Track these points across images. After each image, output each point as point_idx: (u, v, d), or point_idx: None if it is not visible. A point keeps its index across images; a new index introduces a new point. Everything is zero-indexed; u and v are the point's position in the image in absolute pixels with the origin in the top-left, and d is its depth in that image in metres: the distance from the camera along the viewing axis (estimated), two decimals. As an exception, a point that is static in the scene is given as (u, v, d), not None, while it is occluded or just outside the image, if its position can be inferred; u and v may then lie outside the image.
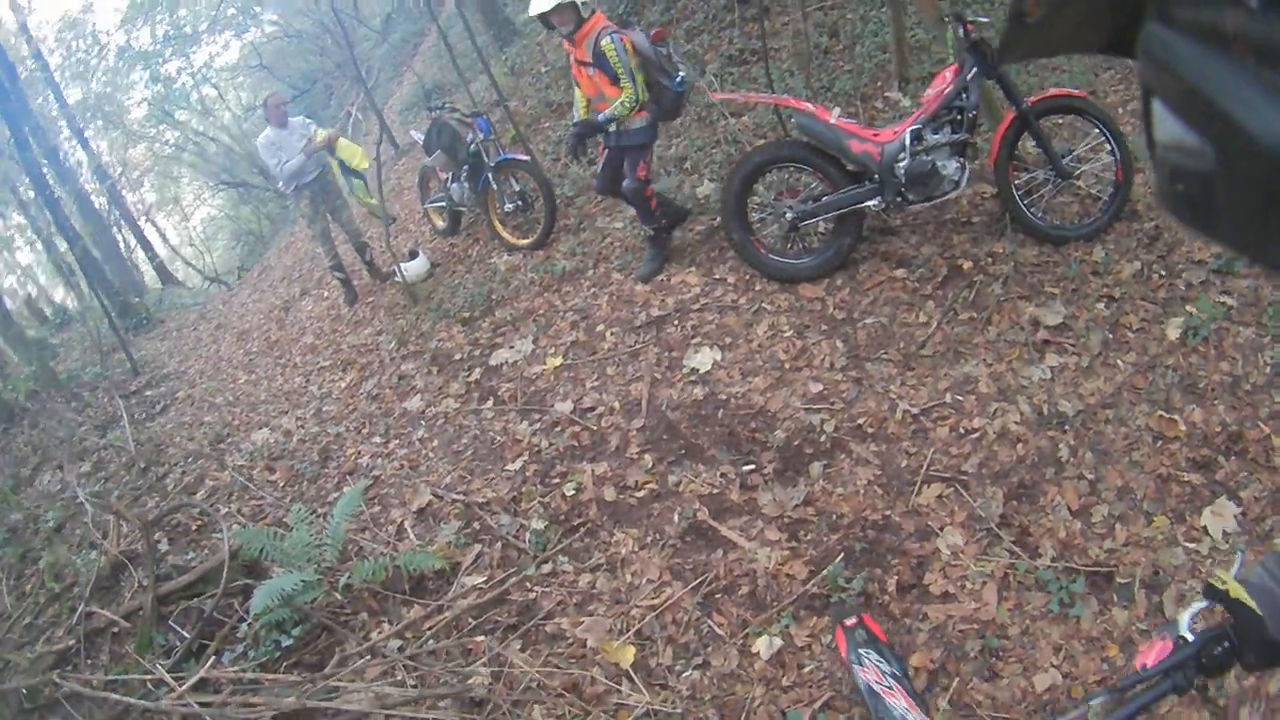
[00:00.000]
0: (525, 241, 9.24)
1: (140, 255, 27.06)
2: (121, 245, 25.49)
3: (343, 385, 8.68)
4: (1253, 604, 1.62)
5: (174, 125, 29.69)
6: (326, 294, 11.93)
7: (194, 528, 7.13)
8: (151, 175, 33.79)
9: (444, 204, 10.56)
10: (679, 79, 7.02)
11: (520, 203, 9.35)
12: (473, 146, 9.35)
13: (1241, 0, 0.63)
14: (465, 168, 9.60)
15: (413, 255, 10.14)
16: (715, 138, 9.05)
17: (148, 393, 11.67)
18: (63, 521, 8.15)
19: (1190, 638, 1.72)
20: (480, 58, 11.63)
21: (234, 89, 33.62)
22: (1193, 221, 0.77)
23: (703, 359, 6.41)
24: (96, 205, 24.09)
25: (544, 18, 6.83)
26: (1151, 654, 1.75)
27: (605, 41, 6.69)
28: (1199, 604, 1.78)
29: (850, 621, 2.55)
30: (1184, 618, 1.77)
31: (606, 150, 7.40)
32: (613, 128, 7.07)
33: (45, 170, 18.41)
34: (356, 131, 21.29)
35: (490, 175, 9.19)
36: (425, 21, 23.44)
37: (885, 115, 8.12)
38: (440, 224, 11.05)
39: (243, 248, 32.27)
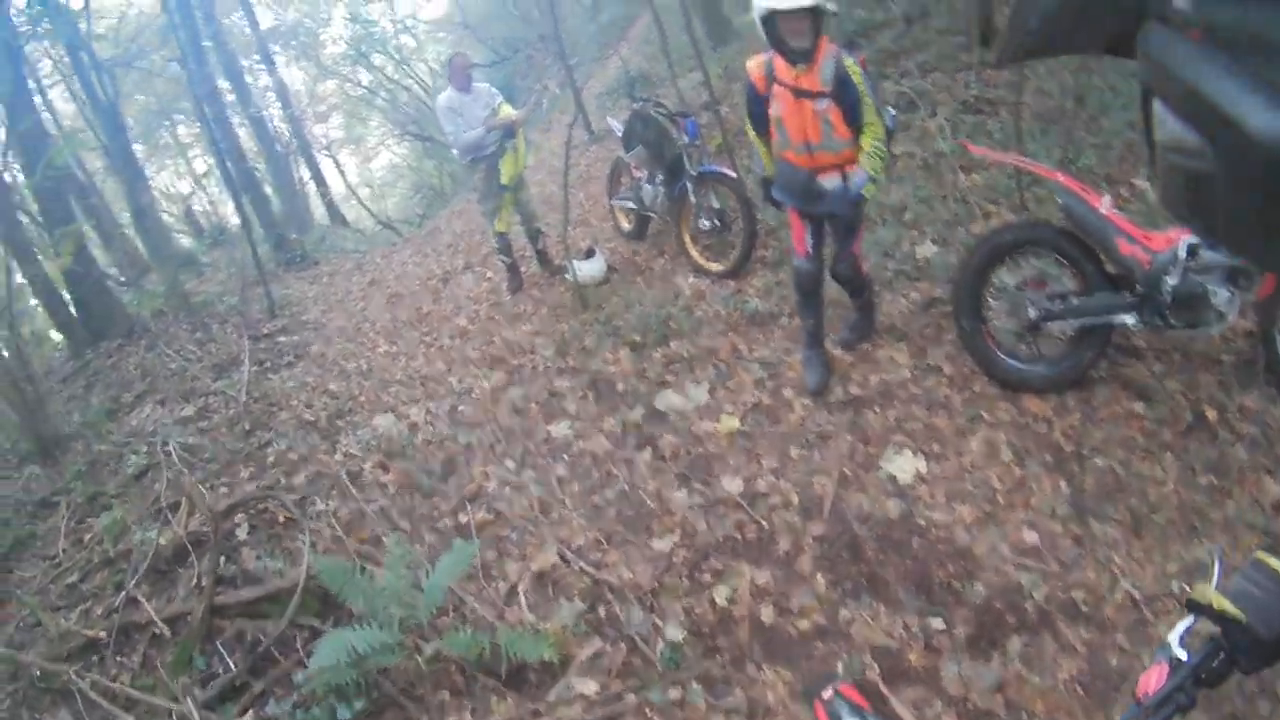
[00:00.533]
0: (716, 267, 8.16)
1: (313, 190, 26.52)
2: (295, 178, 25.04)
3: (486, 386, 7.56)
4: (1237, 612, 1.62)
5: (368, 68, 29.25)
6: (490, 275, 10.82)
7: (280, 519, 6.06)
8: (340, 112, 33.44)
9: (633, 205, 9.41)
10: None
11: (718, 222, 8.18)
12: (678, 147, 8.20)
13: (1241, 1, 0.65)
14: (663, 171, 8.46)
15: (589, 254, 9.11)
16: (941, 191, 7.61)
17: (279, 339, 10.82)
18: (145, 469, 7.19)
19: (1184, 656, 1.69)
20: (696, 52, 10.36)
21: (434, 42, 33.35)
22: (1193, 221, 0.81)
23: (903, 466, 5.16)
24: (274, 131, 23.71)
25: (772, 25, 5.14)
26: (1150, 681, 1.69)
27: (850, 63, 5.23)
28: (1186, 621, 1.76)
29: (827, 694, 2.19)
30: (1173, 638, 1.72)
31: (802, 219, 5.77)
32: (830, 186, 5.50)
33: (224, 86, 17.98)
34: (552, 107, 20.43)
35: (690, 185, 8.09)
36: (637, 6, 22.42)
37: (1132, 207, 6.61)
38: (625, 225, 9.98)
39: (421, 200, 31.92)
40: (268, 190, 20.94)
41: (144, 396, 8.90)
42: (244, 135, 22.16)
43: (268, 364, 9.67)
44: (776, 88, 5.38)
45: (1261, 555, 1.69)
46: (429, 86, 29.31)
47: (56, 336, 11.95)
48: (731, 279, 7.90)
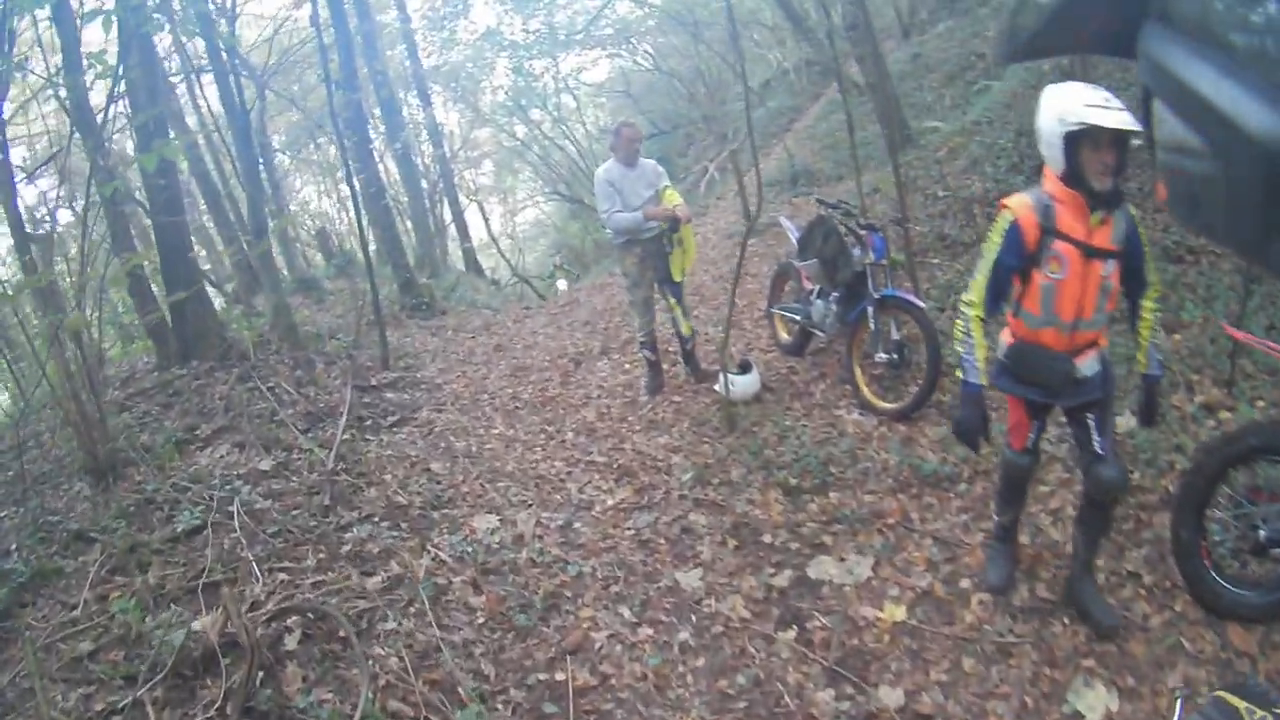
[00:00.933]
0: (887, 405, 7.11)
1: (453, 233, 26.16)
2: (435, 220, 24.44)
3: (610, 503, 6.45)
4: None
5: (525, 121, 28.95)
6: (628, 367, 9.82)
7: (339, 635, 4.81)
8: (492, 160, 33.35)
9: (797, 317, 8.41)
10: None
11: (896, 356, 7.29)
12: (859, 267, 7.33)
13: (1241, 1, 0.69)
14: (840, 288, 7.63)
15: (743, 368, 7.99)
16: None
17: (387, 394, 9.64)
18: (198, 528, 5.98)
19: None
20: (891, 156, 9.05)
21: (594, 106, 33.00)
22: (1193, 221, 0.91)
23: (1092, 703, 4.03)
24: (421, 169, 23.16)
25: (1074, 151, 3.74)
26: None
27: (1133, 211, 4.02)
28: None
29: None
30: None
31: (1029, 407, 4.48)
32: (1090, 371, 4.25)
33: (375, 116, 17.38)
34: (709, 191, 19.57)
35: (870, 309, 7.19)
36: (805, 98, 21.49)
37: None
38: (784, 336, 9.01)
39: (564, 259, 31.38)
40: (405, 228, 20.37)
41: (221, 433, 7.70)
42: (387, 169, 21.76)
43: (369, 422, 8.47)
44: (1058, 244, 3.92)
45: (1221, 693, 1.88)
46: (584, 149, 28.84)
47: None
48: (903, 422, 6.88)
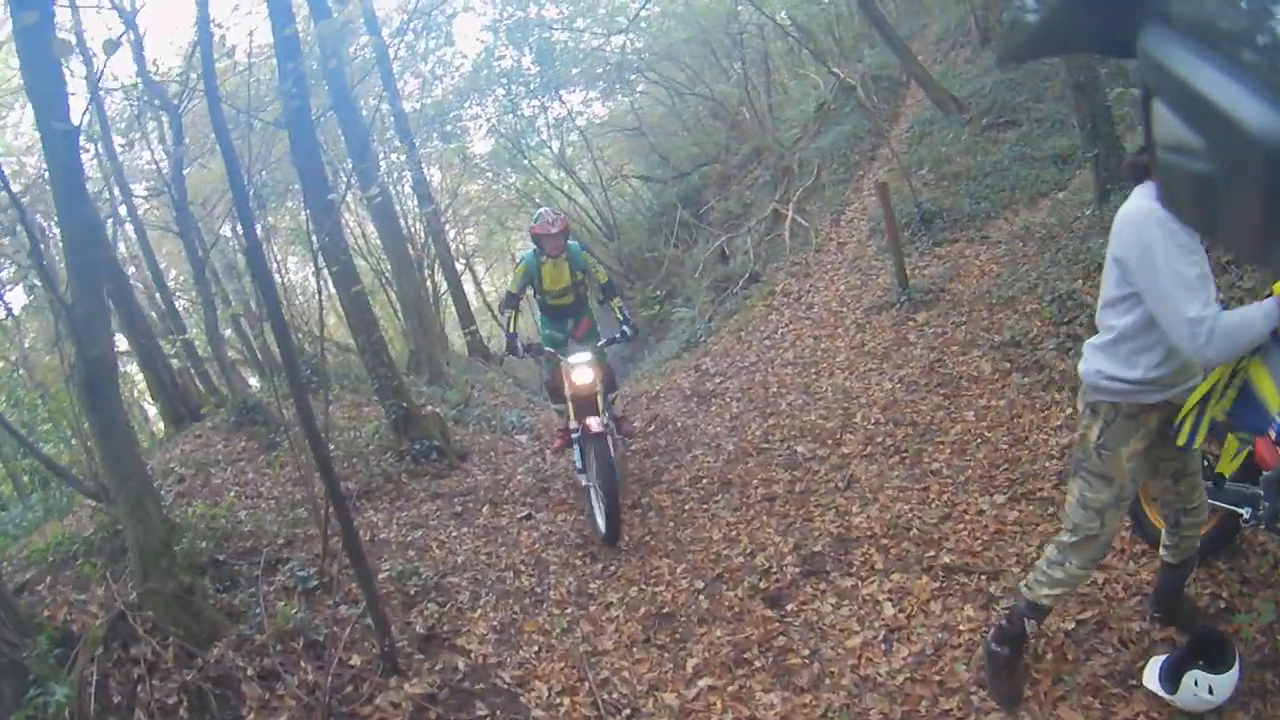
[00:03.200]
0: None
1: (448, 305, 20.77)
2: (429, 296, 19.12)
3: None
4: None
5: (522, 169, 24.55)
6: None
7: None
8: (486, 214, 28.33)
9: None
10: None
11: None
12: None
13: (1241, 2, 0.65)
14: None
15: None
16: None
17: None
18: None
19: None
20: None
21: (608, 144, 28.42)
22: (1193, 222, 0.93)
23: None
24: (408, 233, 18.06)
25: None
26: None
27: None
28: None
29: None
30: None
31: None
32: None
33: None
34: (800, 242, 14.83)
35: None
36: (880, 120, 16.99)
37: None
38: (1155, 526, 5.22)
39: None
40: (390, 309, 14.97)
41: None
42: (364, 234, 17.07)
43: None
44: None
45: None
46: (588, 190, 24.86)
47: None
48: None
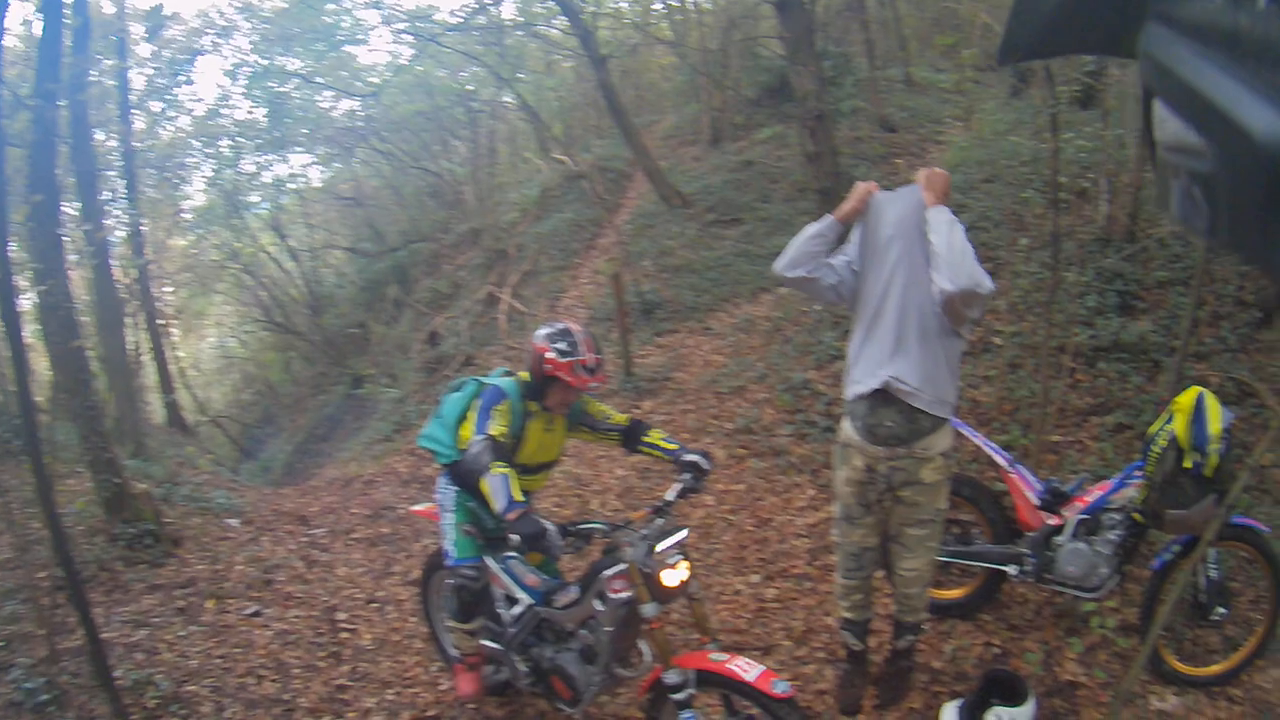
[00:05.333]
0: (1191, 670, 4.97)
1: (150, 370, 18.97)
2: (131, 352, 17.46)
3: None
4: None
5: (232, 229, 23.34)
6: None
7: None
8: (188, 275, 26.17)
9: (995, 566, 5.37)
10: None
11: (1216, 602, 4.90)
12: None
13: (1241, 1, 0.63)
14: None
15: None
16: None
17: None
18: None
19: None
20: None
21: (309, 215, 27.27)
22: (1193, 223, 0.76)
23: None
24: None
25: None
26: None
27: None
28: None
29: None
30: None
31: None
32: None
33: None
34: (517, 327, 14.56)
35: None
36: (600, 211, 17.21)
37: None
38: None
39: (252, 394, 26.64)
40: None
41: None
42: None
43: None
44: None
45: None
46: (298, 257, 23.80)
47: None
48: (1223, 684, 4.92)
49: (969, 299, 3.77)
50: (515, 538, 3.78)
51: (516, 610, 4.77)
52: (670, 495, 4.36)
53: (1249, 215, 0.70)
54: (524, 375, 4.57)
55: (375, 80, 20.93)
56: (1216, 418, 4.44)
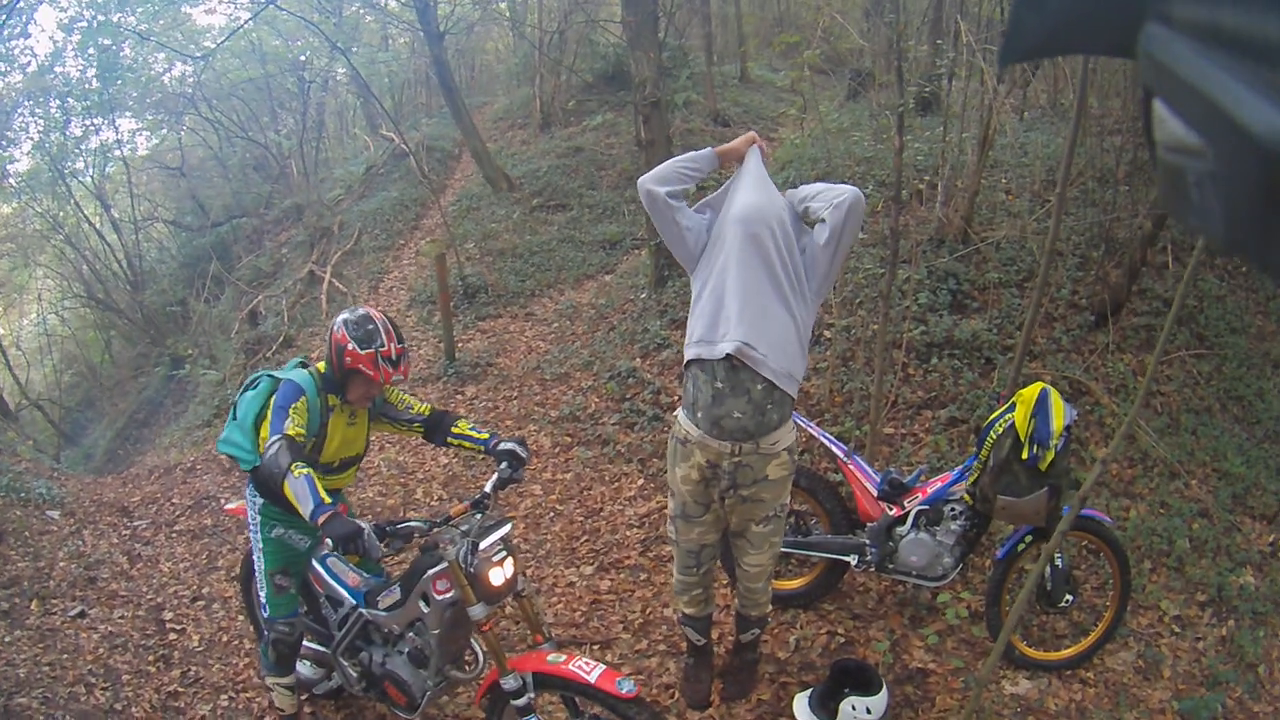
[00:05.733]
0: (1042, 655, 5.20)
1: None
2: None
3: None
4: None
5: (60, 197, 22.11)
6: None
7: None
8: (10, 245, 25.00)
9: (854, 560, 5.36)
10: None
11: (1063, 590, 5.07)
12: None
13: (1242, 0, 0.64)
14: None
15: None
16: None
17: None
18: None
19: None
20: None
21: (138, 184, 25.94)
22: (1194, 222, 0.76)
23: None
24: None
25: None
26: None
27: None
28: None
29: None
30: None
31: None
32: None
33: None
34: (336, 307, 14.18)
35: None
36: (425, 191, 16.90)
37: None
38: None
39: (73, 375, 25.32)
40: None
41: None
42: None
43: None
44: None
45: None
46: (120, 229, 22.95)
47: None
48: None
49: (855, 211, 3.81)
50: (329, 541, 3.53)
51: (341, 612, 4.48)
52: (489, 487, 4.12)
53: (1249, 216, 0.69)
54: (321, 367, 4.24)
55: (209, 44, 20.00)
56: (1060, 414, 4.54)
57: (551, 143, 17.59)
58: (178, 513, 8.83)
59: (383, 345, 4.05)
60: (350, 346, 4.00)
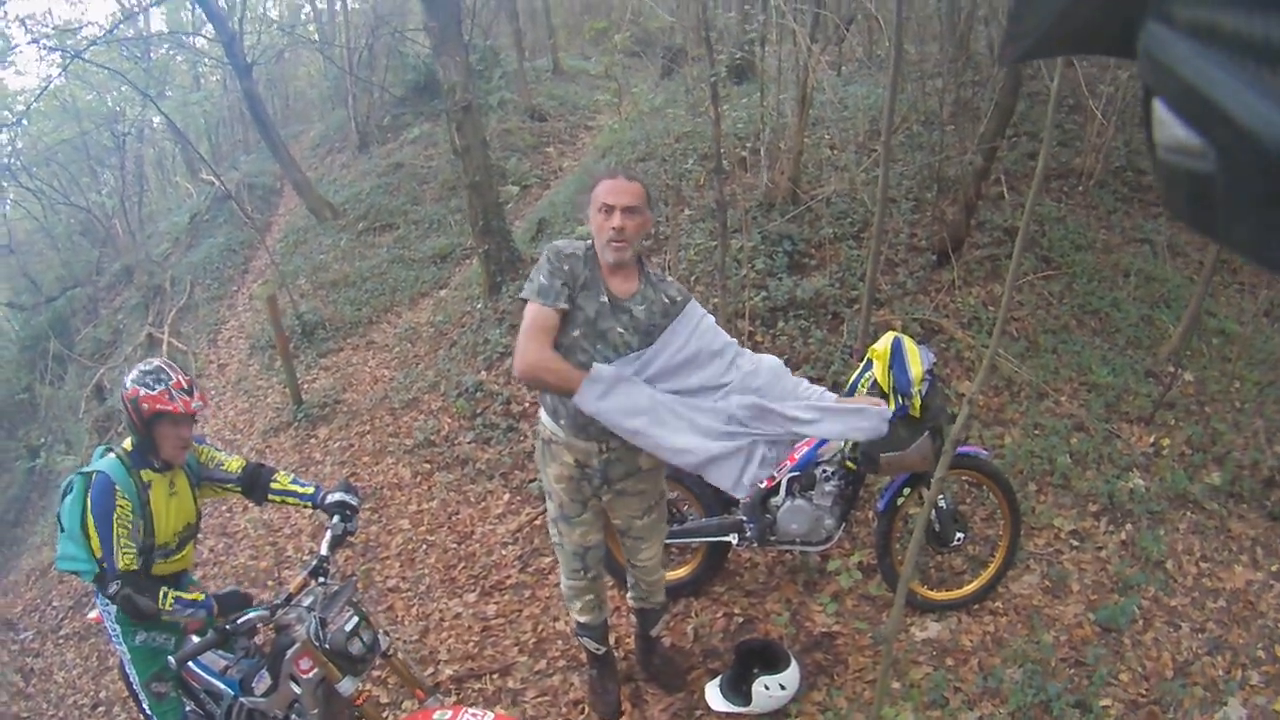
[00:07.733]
0: (946, 595, 5.20)
1: None
2: None
3: None
4: None
5: None
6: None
7: None
8: None
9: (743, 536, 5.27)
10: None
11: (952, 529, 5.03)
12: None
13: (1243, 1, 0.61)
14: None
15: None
16: None
17: None
18: None
19: None
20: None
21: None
22: (1194, 223, 0.72)
23: None
24: None
25: None
26: None
27: None
28: None
29: None
30: None
31: None
32: None
33: None
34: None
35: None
36: (250, 233, 16.41)
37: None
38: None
39: None
40: None
41: None
42: None
43: None
44: None
45: None
46: None
47: None
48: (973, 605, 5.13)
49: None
50: (241, 640, 3.50)
51: (224, 704, 4.18)
52: (324, 549, 3.89)
53: (1250, 216, 0.65)
54: (128, 444, 3.98)
55: (21, 107, 19.35)
56: (916, 360, 4.46)
57: (371, 163, 17.32)
58: (60, 616, 8.62)
59: (172, 379, 3.89)
60: (143, 394, 3.83)
